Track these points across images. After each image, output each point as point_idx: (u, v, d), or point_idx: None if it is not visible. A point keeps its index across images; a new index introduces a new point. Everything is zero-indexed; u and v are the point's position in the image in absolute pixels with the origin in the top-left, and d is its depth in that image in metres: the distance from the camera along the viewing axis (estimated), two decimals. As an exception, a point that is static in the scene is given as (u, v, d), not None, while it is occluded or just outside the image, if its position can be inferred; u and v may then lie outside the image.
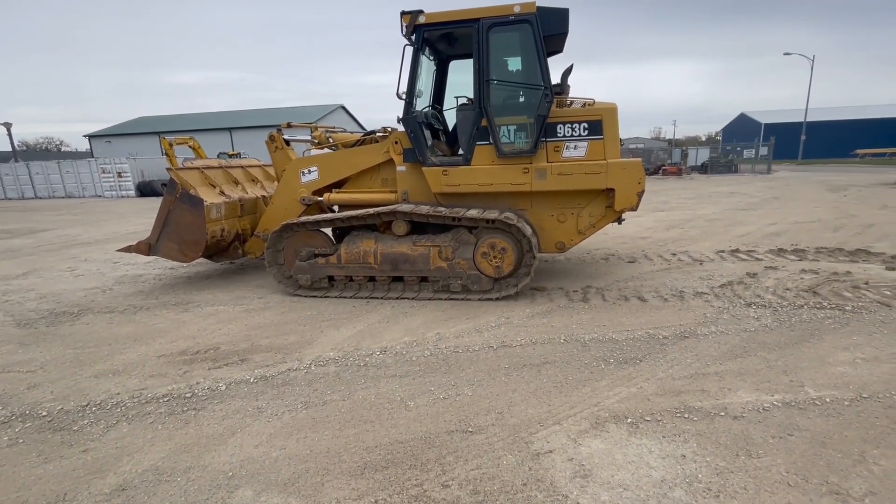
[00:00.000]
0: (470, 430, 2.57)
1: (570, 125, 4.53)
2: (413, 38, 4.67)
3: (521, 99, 4.70)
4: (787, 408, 2.65)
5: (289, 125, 6.29)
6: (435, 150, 5.06)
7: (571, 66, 5.04)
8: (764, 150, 29.16)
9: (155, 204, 6.62)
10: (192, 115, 48.72)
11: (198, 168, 5.74)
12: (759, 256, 6.25)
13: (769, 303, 4.36)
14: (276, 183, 6.15)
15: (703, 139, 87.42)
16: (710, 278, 5.26)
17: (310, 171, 5.39)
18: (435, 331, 4.01)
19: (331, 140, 5.83)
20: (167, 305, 5.02)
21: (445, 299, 4.78)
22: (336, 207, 5.60)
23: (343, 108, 46.65)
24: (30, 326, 4.50)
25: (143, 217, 13.52)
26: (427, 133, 4.99)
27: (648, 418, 2.61)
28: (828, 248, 6.50)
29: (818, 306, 4.22)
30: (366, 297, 4.93)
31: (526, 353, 3.51)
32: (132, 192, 23.37)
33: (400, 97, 4.72)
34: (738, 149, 31.91)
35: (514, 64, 4.79)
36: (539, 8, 4.35)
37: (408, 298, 4.84)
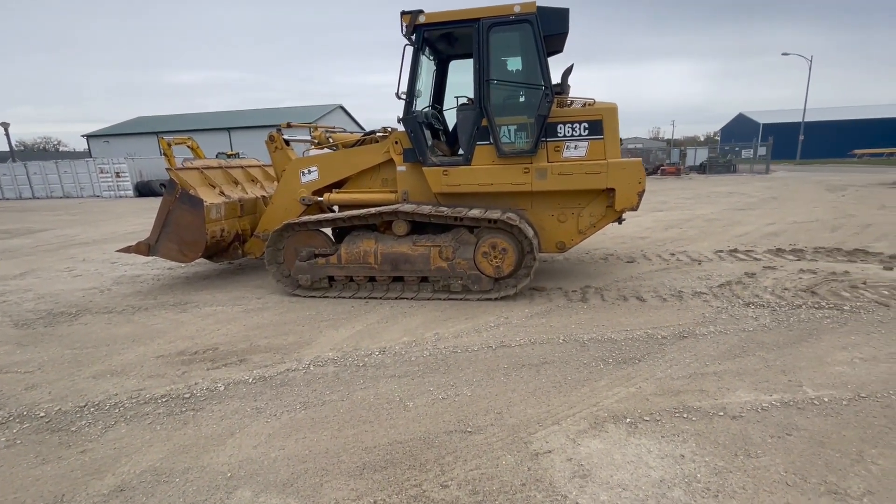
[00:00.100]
0: (469, 430, 2.57)
1: (570, 125, 4.54)
2: (413, 37, 4.66)
3: (522, 99, 4.71)
4: (785, 407, 2.66)
5: (289, 125, 6.28)
6: (435, 150, 5.06)
7: (572, 66, 5.04)
8: (762, 150, 29.24)
9: (153, 204, 6.61)
10: (190, 115, 48.64)
11: (197, 168, 5.74)
12: (758, 256, 6.26)
13: (767, 303, 4.37)
14: (275, 183, 6.14)
15: (702, 139, 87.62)
16: (709, 278, 5.27)
17: (310, 172, 5.39)
18: (434, 331, 4.01)
19: (331, 140, 5.82)
20: (165, 306, 5.01)
21: (444, 299, 4.78)
22: (336, 207, 5.59)
23: (342, 108, 46.62)
24: (28, 327, 4.49)
25: (142, 217, 13.50)
26: (427, 133, 4.99)
27: (647, 418, 2.61)
28: (826, 248, 6.51)
29: (816, 306, 4.22)
30: (365, 298, 4.93)
31: (525, 354, 3.51)
32: (130, 193, 23.32)
33: (399, 97, 4.72)
34: (737, 149, 31.98)
35: (515, 64, 4.79)
36: (539, 8, 4.35)
37: (406, 298, 4.84)
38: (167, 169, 5.53)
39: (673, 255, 6.54)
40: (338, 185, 5.42)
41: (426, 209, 4.71)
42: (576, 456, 2.32)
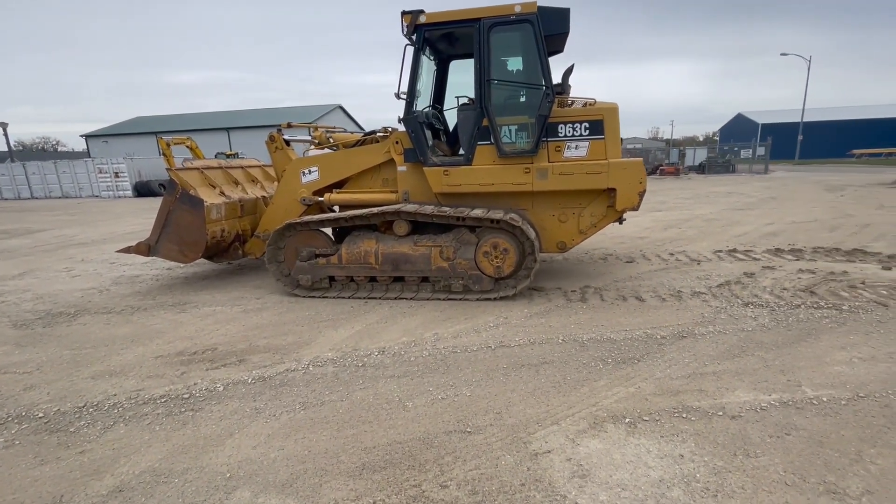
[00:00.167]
0: (468, 430, 2.57)
1: (571, 125, 4.54)
2: (414, 37, 4.66)
3: (523, 99, 4.71)
4: (784, 407, 2.66)
5: (289, 125, 6.28)
6: (435, 150, 5.06)
7: (572, 66, 5.04)
8: (761, 151, 29.29)
9: (152, 204, 6.60)
10: (189, 115, 48.60)
11: (198, 168, 5.73)
12: (757, 256, 6.26)
13: (766, 302, 4.37)
14: (275, 183, 6.14)
15: (701, 139, 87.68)
16: (708, 278, 5.28)
17: (310, 172, 5.38)
18: (433, 331, 4.01)
19: (331, 140, 5.82)
20: (164, 306, 5.00)
21: (444, 299, 4.78)
22: (337, 208, 5.59)
23: (341, 107, 46.61)
24: (26, 327, 4.48)
25: (141, 217, 13.48)
26: (428, 133, 4.99)
27: (646, 418, 2.61)
28: (825, 248, 6.52)
29: (815, 306, 4.23)
30: (364, 298, 4.92)
31: (524, 354, 3.51)
32: (129, 193, 23.29)
33: (398, 97, 4.71)
34: (736, 149, 32.00)
35: (515, 64, 4.79)
36: (540, 8, 4.35)
37: (406, 299, 4.83)
38: (167, 169, 5.52)
39: (672, 255, 6.54)
40: (338, 185, 5.42)
41: (429, 209, 4.71)
42: (575, 456, 2.32)
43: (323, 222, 5.03)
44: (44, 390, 3.20)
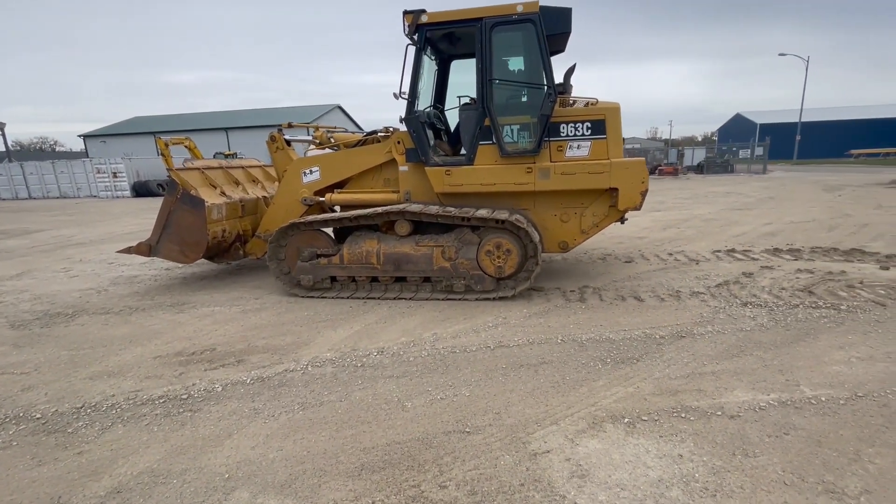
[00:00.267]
0: (467, 430, 2.57)
1: (573, 125, 4.53)
2: (415, 37, 4.66)
3: (525, 98, 4.70)
4: (783, 407, 2.66)
5: (290, 125, 6.27)
6: (437, 150, 5.05)
7: (574, 66, 5.04)
8: (759, 151, 29.33)
9: (150, 204, 6.58)
10: (188, 115, 48.53)
11: (198, 168, 5.72)
12: (755, 256, 6.27)
13: (765, 302, 4.38)
14: (276, 183, 6.12)
15: (700, 139, 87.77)
16: (707, 278, 5.28)
17: (311, 172, 5.37)
18: (432, 331, 4.00)
19: (332, 140, 5.81)
20: (163, 306, 4.99)
21: (442, 299, 4.78)
22: (338, 208, 5.58)
23: (340, 107, 46.58)
24: (24, 328, 4.47)
25: (139, 217, 13.45)
26: (429, 133, 4.99)
27: (645, 418, 2.61)
28: (823, 248, 6.53)
29: (813, 306, 4.24)
30: (363, 298, 4.92)
31: (523, 354, 3.51)
32: (127, 193, 23.23)
33: (397, 97, 4.71)
34: (734, 149, 32.04)
35: (517, 63, 4.78)
36: (542, 7, 4.34)
37: (405, 299, 4.83)
38: (168, 169, 5.50)
39: (671, 255, 6.55)
40: (339, 185, 5.41)
41: (434, 209, 4.71)
42: (574, 456, 2.32)
43: (327, 222, 5.01)
44: (41, 391, 3.19)
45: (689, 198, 14.19)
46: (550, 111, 4.43)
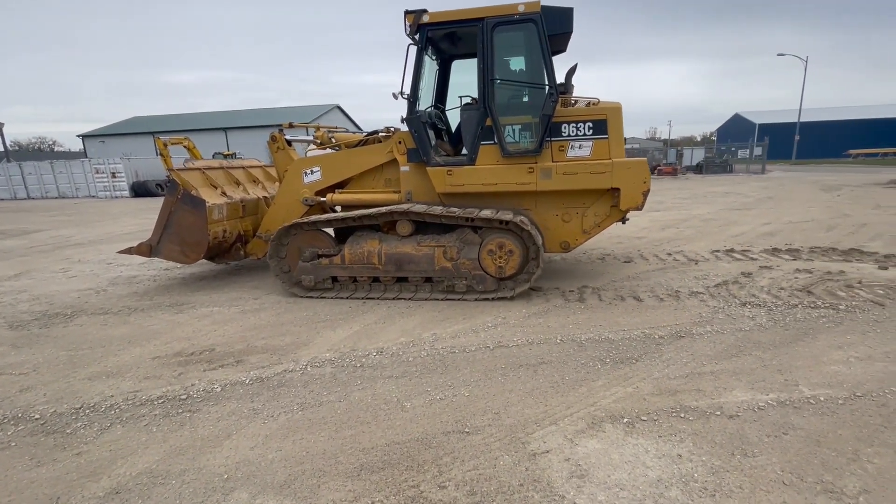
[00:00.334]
0: (466, 430, 2.57)
1: (574, 124, 4.54)
2: (417, 37, 4.65)
3: (526, 98, 4.70)
4: (781, 407, 2.67)
5: (291, 125, 6.25)
6: (438, 150, 5.05)
7: (575, 66, 5.03)
8: (758, 151, 29.36)
9: (149, 204, 6.58)
10: (186, 115, 48.48)
11: (199, 169, 5.71)
12: (754, 256, 6.28)
13: (764, 302, 4.38)
14: (277, 184, 6.11)
15: (699, 139, 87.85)
16: (706, 278, 5.29)
17: (312, 172, 5.37)
18: (431, 331, 4.00)
19: (333, 140, 5.80)
20: (162, 307, 4.99)
21: (442, 300, 4.78)
22: (339, 208, 5.58)
23: (339, 107, 46.55)
24: (22, 328, 4.46)
25: (138, 218, 13.43)
26: (430, 133, 4.98)
27: (644, 418, 2.62)
28: (821, 248, 6.54)
29: (812, 305, 4.24)
30: (362, 298, 4.92)
31: (522, 354, 3.51)
32: (126, 193, 23.20)
33: (395, 97, 4.70)
34: (733, 149, 32.09)
35: (519, 63, 4.78)
36: (544, 7, 4.34)
37: (404, 299, 4.83)
38: (169, 169, 5.49)
39: (670, 254, 6.56)
40: (340, 185, 5.41)
41: (438, 209, 4.70)
42: (573, 456, 2.32)
43: (330, 222, 5.00)
44: (40, 391, 3.19)
45: (687, 198, 14.21)
46: (552, 111, 4.43)
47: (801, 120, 40.55)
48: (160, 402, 2.99)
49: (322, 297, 5.00)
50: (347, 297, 4.94)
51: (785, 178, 22.58)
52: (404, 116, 4.77)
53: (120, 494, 2.17)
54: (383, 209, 4.78)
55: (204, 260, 5.70)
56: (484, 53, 4.46)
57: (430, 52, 5.09)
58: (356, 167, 5.29)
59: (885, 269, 5.39)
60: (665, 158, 30.24)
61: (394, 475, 2.23)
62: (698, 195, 14.95)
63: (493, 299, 4.70)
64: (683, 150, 33.25)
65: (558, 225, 4.94)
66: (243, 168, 6.49)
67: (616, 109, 4.52)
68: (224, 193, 5.68)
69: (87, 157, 38.61)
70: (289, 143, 5.76)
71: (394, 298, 4.85)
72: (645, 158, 4.74)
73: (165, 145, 6.17)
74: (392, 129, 5.35)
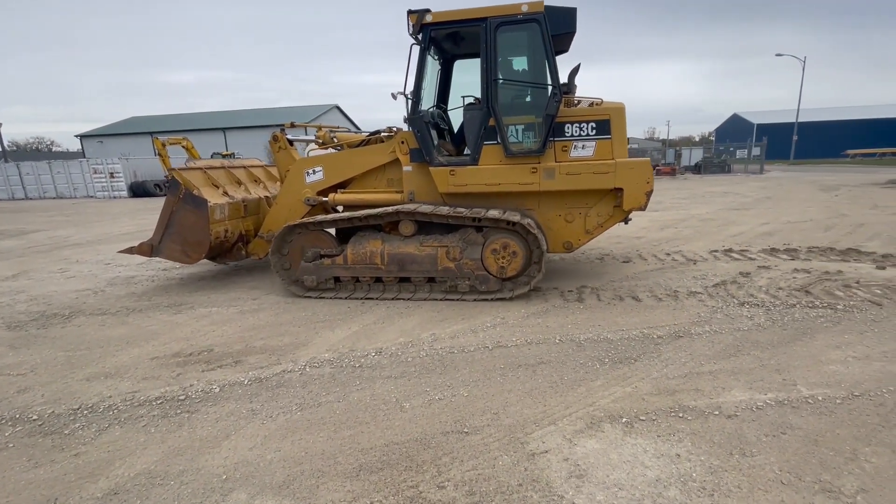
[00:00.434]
0: (465, 430, 2.57)
1: (577, 125, 4.54)
2: (420, 37, 4.65)
3: (529, 98, 4.70)
4: (780, 406, 2.67)
5: (293, 125, 6.25)
6: (441, 150, 5.04)
7: (578, 66, 5.03)
8: (756, 151, 29.43)
9: (148, 205, 6.57)
10: (185, 115, 48.44)
11: (201, 168, 5.70)
12: (752, 256, 6.29)
13: (762, 302, 4.39)
14: (278, 183, 6.10)
15: (697, 139, 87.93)
16: (704, 278, 5.30)
17: (314, 172, 5.36)
18: (430, 331, 4.00)
19: (335, 140, 5.80)
20: (160, 307, 4.98)
21: (441, 300, 4.77)
22: (340, 208, 5.57)
23: (338, 107, 46.55)
24: (20, 329, 4.45)
25: (136, 218, 13.40)
26: (433, 133, 4.98)
27: (643, 418, 2.62)
28: (819, 248, 6.56)
29: (810, 305, 4.25)
30: (361, 298, 4.91)
31: (521, 354, 3.51)
32: (124, 193, 23.16)
33: (395, 97, 4.70)
34: (731, 149, 32.16)
35: (522, 63, 4.78)
36: (547, 7, 4.34)
37: (404, 299, 4.83)
38: (170, 169, 5.47)
39: (668, 254, 6.57)
40: (342, 185, 5.40)
41: (445, 210, 4.70)
42: (572, 456, 2.32)
43: (337, 222, 4.98)
44: (38, 392, 3.18)
45: (686, 198, 14.23)
46: (555, 111, 4.43)
47: (800, 120, 40.65)
48: (158, 402, 2.99)
49: (321, 297, 4.99)
50: (346, 298, 4.93)
51: (783, 178, 22.63)
52: (407, 116, 4.77)
53: (118, 495, 2.16)
54: (390, 209, 4.76)
55: (205, 260, 5.69)
56: (487, 53, 4.46)
57: (432, 51, 5.09)
58: (358, 167, 5.28)
59: (883, 268, 5.40)
60: (664, 158, 30.27)
61: (392, 475, 2.23)
62: (697, 195, 14.97)
63: (491, 300, 4.70)
64: (682, 150, 33.30)
65: (561, 225, 4.94)
66: (245, 168, 6.47)
67: (619, 110, 4.52)
68: (226, 193, 5.67)
69: (85, 157, 38.53)
70: (290, 142, 5.75)
71: (393, 298, 4.84)
72: (648, 159, 4.74)
73: (164, 145, 6.17)
74: (394, 129, 5.35)
